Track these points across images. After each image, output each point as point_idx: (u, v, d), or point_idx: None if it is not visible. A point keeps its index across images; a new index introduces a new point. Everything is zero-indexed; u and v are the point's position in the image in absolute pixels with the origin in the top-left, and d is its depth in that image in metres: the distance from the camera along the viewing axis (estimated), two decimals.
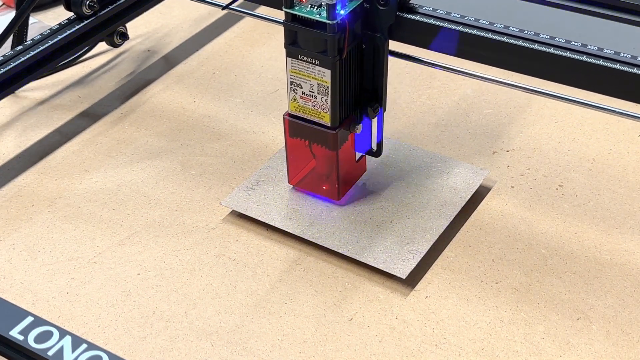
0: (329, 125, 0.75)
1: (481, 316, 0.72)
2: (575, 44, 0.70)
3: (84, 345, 0.63)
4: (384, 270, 0.75)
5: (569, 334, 0.71)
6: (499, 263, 0.77)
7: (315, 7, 0.71)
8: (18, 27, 0.94)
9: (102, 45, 1.06)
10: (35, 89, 1.01)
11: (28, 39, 0.91)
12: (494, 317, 0.72)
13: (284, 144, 0.89)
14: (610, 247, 0.78)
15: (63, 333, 0.64)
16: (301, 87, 0.75)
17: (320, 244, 0.78)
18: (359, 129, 0.78)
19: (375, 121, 0.80)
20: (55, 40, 0.90)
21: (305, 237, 0.78)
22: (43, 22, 1.10)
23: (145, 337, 0.71)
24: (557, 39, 0.70)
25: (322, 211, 0.80)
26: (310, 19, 0.71)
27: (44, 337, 0.64)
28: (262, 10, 0.86)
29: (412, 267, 0.75)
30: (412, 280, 0.75)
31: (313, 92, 0.74)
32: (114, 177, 0.88)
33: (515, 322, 0.72)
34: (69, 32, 0.91)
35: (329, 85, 0.73)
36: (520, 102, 0.96)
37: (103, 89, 1.01)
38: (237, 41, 1.09)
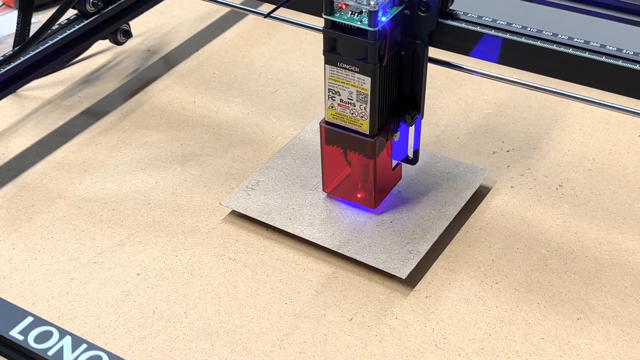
0: (368, 133, 0.74)
1: (481, 316, 0.72)
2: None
3: (84, 345, 0.63)
4: (384, 270, 0.75)
5: (569, 334, 0.71)
6: (499, 263, 0.77)
7: (356, 14, 0.69)
8: (20, 27, 0.94)
9: (102, 45, 1.06)
10: (35, 89, 1.01)
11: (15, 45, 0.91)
12: (494, 317, 0.72)
13: (283, 145, 0.90)
14: (610, 247, 0.78)
15: (63, 333, 0.64)
16: (339, 95, 0.73)
17: (320, 244, 0.78)
18: (397, 136, 0.77)
19: (412, 128, 0.78)
20: (59, 38, 0.90)
21: (305, 237, 0.78)
22: (43, 22, 1.10)
23: (145, 337, 0.71)
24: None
25: (322, 211, 0.80)
26: (351, 25, 0.69)
27: (44, 337, 0.64)
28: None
29: (412, 267, 0.75)
30: (412, 280, 0.75)
31: (352, 100, 0.73)
32: (114, 177, 0.88)
33: (515, 322, 0.72)
34: (71, 30, 0.91)
35: (369, 92, 0.72)
36: (521, 102, 0.96)
37: (103, 89, 1.01)
38: (237, 41, 1.09)
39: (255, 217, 0.81)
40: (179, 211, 0.84)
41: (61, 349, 0.63)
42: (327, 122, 0.76)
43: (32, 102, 1.00)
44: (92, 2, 0.92)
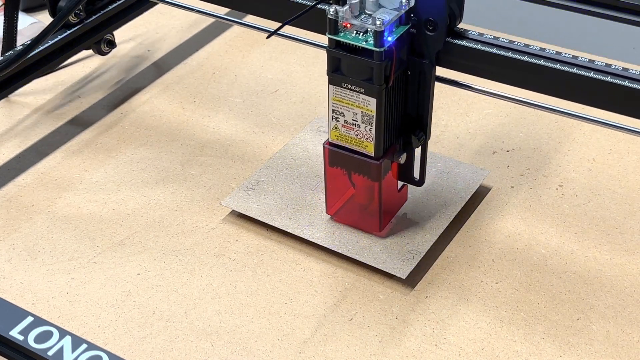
0: (373, 155, 0.72)
1: (481, 316, 0.72)
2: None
3: (84, 345, 0.63)
4: (384, 270, 0.75)
5: (569, 334, 0.71)
6: (499, 263, 0.77)
7: (362, 34, 0.67)
8: (6, 32, 0.93)
9: None
10: (35, 89, 1.01)
11: (28, 40, 0.90)
12: (494, 317, 0.72)
13: (283, 145, 0.90)
14: (610, 247, 0.78)
15: (63, 333, 0.64)
16: (344, 116, 0.71)
17: (320, 244, 0.78)
18: (403, 158, 0.75)
19: (418, 150, 0.76)
20: (41, 48, 0.89)
21: (305, 237, 0.78)
22: (43, 22, 1.10)
23: (145, 337, 0.71)
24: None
25: (322, 211, 0.80)
26: (356, 45, 0.67)
27: (44, 337, 0.64)
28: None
29: (412, 267, 0.75)
30: (412, 280, 0.75)
31: (356, 121, 0.71)
32: (114, 177, 0.88)
33: (515, 322, 0.72)
34: (54, 40, 0.90)
35: (374, 114, 0.70)
36: None
37: (103, 89, 1.01)
38: (237, 41, 1.09)
39: (255, 217, 0.81)
40: (179, 211, 0.84)
41: (61, 349, 0.63)
42: (330, 144, 0.74)
43: (32, 102, 1.00)
44: (75, 12, 0.91)
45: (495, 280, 0.75)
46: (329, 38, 0.68)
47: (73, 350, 0.63)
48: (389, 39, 0.67)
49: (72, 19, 0.91)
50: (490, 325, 0.72)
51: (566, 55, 0.68)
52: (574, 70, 0.67)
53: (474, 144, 0.91)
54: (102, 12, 0.94)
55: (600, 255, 0.77)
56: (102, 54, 1.00)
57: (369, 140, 0.71)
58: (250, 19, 0.86)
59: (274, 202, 0.82)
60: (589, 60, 0.68)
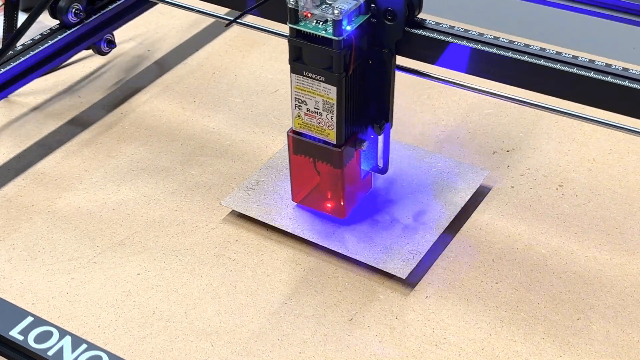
0: (335, 142, 0.73)
1: (481, 316, 0.72)
2: (582, 59, 0.68)
3: (84, 345, 0.63)
4: (384, 270, 0.75)
5: (569, 334, 0.71)
6: (499, 263, 0.77)
7: (321, 23, 0.69)
8: (6, 32, 0.93)
9: None
10: (35, 89, 1.01)
11: (28, 40, 0.91)
12: (494, 317, 0.72)
13: (284, 144, 0.89)
14: (610, 247, 0.78)
15: (63, 333, 0.64)
16: (306, 104, 0.73)
17: (321, 244, 0.78)
18: (365, 145, 0.76)
19: (381, 137, 0.77)
20: (41, 48, 0.89)
21: (305, 237, 0.78)
22: (43, 22, 1.10)
23: (145, 337, 0.71)
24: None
25: (322, 212, 0.80)
26: (316, 34, 0.69)
27: (44, 337, 0.64)
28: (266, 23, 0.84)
29: (412, 267, 0.75)
30: (412, 280, 0.75)
31: (318, 109, 0.72)
32: (114, 177, 0.88)
33: (515, 322, 0.72)
34: (54, 40, 0.90)
35: (335, 102, 0.71)
36: None
37: (102, 89, 1.01)
38: (237, 41, 1.09)
39: (255, 217, 0.81)
40: (179, 211, 0.84)
41: (61, 349, 0.63)
42: (294, 132, 0.75)
43: (31, 103, 1.00)
44: (75, 12, 0.91)
45: (495, 280, 0.75)
46: (290, 27, 0.70)
47: (73, 350, 0.63)
48: (348, 28, 0.68)
49: (72, 19, 0.91)
50: (490, 325, 0.72)
51: (566, 55, 0.68)
52: (574, 70, 0.68)
53: (474, 144, 0.90)
54: (102, 12, 0.94)
55: (600, 255, 0.77)
56: (102, 54, 1.00)
57: (330, 128, 0.73)
58: (250, 19, 0.86)
59: (274, 202, 0.82)
60: (589, 60, 0.68)
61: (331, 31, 0.68)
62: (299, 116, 0.74)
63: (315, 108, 0.72)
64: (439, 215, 0.80)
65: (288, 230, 0.79)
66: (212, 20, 1.12)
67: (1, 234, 0.81)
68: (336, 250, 0.77)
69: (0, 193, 0.86)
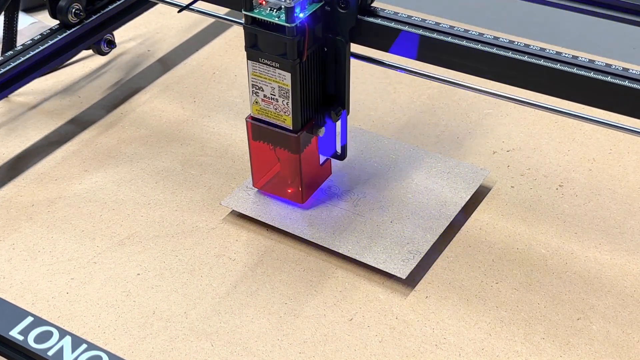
0: (291, 128, 0.75)
1: (481, 316, 0.72)
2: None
3: (84, 345, 0.63)
4: (384, 270, 0.75)
5: (569, 334, 0.71)
6: (499, 263, 0.77)
7: (275, 10, 0.71)
8: (7, 32, 0.93)
9: None
10: (35, 89, 1.01)
11: (28, 40, 0.91)
12: (494, 317, 0.72)
13: None
14: (610, 247, 0.78)
15: (63, 333, 0.64)
16: (262, 90, 0.74)
17: (320, 244, 0.78)
18: (322, 132, 0.78)
19: (339, 124, 0.79)
20: (41, 48, 0.89)
21: (305, 237, 0.78)
22: (43, 22, 1.10)
23: (145, 337, 0.71)
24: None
25: (322, 211, 0.80)
26: (270, 21, 0.70)
27: (44, 337, 0.64)
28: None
29: (412, 267, 0.75)
30: (412, 280, 0.75)
31: (274, 95, 0.74)
32: (114, 177, 0.88)
33: (515, 322, 0.72)
34: (54, 40, 0.90)
35: (290, 88, 0.73)
36: None
37: (102, 89, 1.01)
38: (237, 41, 1.09)
39: (255, 217, 0.81)
40: (179, 211, 0.84)
41: (61, 349, 0.63)
42: (252, 118, 0.77)
43: (31, 103, 1.00)
44: (75, 12, 0.91)
45: (495, 280, 0.75)
46: (245, 14, 0.72)
47: (73, 350, 0.63)
48: (301, 15, 0.70)
49: (72, 18, 0.91)
50: (490, 325, 0.72)
51: (566, 55, 0.69)
52: (574, 70, 0.68)
53: (474, 144, 0.90)
54: (102, 12, 0.94)
55: (600, 255, 0.77)
56: (102, 54, 1.00)
57: (286, 113, 0.75)
58: (203, 5, 0.87)
59: (274, 202, 0.82)
60: (589, 60, 0.68)
61: (284, 18, 0.70)
62: (256, 102, 0.76)
63: (271, 94, 0.74)
64: (439, 215, 0.80)
65: (288, 230, 0.79)
66: (211, 20, 1.12)
67: (1, 234, 0.81)
68: (336, 251, 0.77)
69: (0, 193, 0.86)
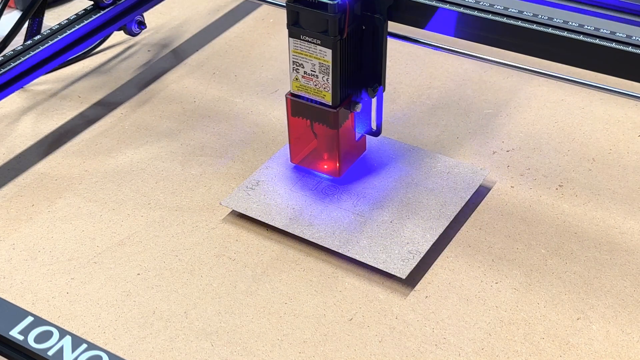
0: (330, 104, 0.77)
1: (481, 316, 0.72)
2: (573, 24, 0.71)
3: (84, 345, 0.63)
4: (384, 270, 0.75)
5: (569, 334, 0.71)
6: (499, 263, 0.77)
7: None
8: (29, 23, 0.94)
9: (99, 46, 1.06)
10: (35, 89, 1.01)
11: (64, 20, 0.91)
12: (494, 317, 0.72)
13: (284, 145, 0.90)
14: (610, 247, 0.78)
15: (63, 333, 0.64)
16: (303, 67, 0.76)
17: (320, 244, 0.78)
18: (359, 107, 0.79)
19: (374, 101, 0.81)
20: (75, 29, 0.91)
21: (305, 237, 0.78)
22: (44, 22, 1.10)
23: (145, 337, 0.71)
24: (555, 19, 0.71)
25: (322, 211, 0.80)
26: None
27: (44, 337, 0.64)
28: None
29: (412, 267, 0.75)
30: (412, 280, 0.75)
31: (315, 72, 0.76)
32: (113, 177, 0.88)
33: (515, 322, 0.72)
34: (86, 21, 0.92)
35: (330, 64, 0.75)
36: (520, 102, 0.96)
37: (102, 89, 1.01)
38: (237, 41, 1.09)
39: (255, 217, 0.81)
40: (179, 211, 0.84)
41: (61, 349, 0.63)
42: (292, 94, 0.79)
43: (31, 102, 1.00)
44: None
45: (495, 280, 0.75)
46: None
47: (73, 350, 0.63)
48: None
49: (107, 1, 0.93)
50: (490, 325, 0.72)
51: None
52: (519, 23, 0.72)
53: (474, 144, 0.90)
54: None
55: (601, 255, 0.77)
56: (133, 34, 1.01)
57: (326, 89, 0.76)
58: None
59: (274, 202, 0.82)
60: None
61: None
62: (296, 79, 0.78)
63: (312, 70, 0.76)
64: (439, 215, 0.80)
65: (288, 231, 0.79)
66: (211, 20, 1.13)
67: (1, 234, 0.81)
68: (336, 250, 0.77)
69: (0, 193, 0.86)
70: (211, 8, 1.15)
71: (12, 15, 1.15)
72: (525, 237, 0.79)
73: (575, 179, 0.86)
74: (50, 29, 0.90)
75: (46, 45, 0.88)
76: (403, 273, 0.74)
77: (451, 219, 0.79)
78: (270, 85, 1.01)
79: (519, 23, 0.73)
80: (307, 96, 0.78)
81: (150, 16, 1.12)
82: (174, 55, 1.07)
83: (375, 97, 0.80)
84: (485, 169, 0.85)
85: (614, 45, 0.69)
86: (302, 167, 0.84)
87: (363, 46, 0.78)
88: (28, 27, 0.94)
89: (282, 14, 1.10)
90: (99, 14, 0.93)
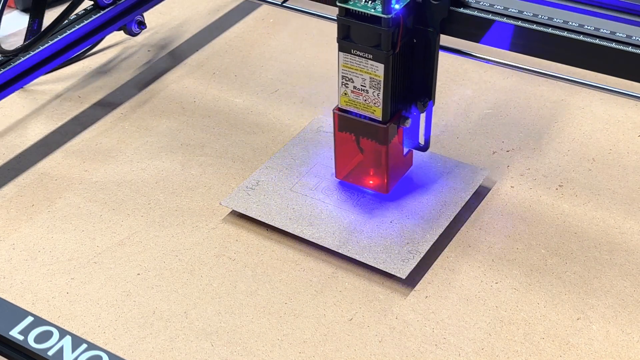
0: (380, 119, 0.76)
1: (481, 316, 0.72)
2: (573, 24, 0.70)
3: (84, 345, 0.63)
4: (384, 270, 0.75)
5: (569, 334, 0.71)
6: (499, 263, 0.77)
7: (370, 2, 0.71)
8: (29, 23, 0.94)
9: (98, 45, 1.06)
10: (35, 89, 1.01)
11: (64, 21, 0.91)
12: (494, 317, 0.72)
13: (283, 145, 0.90)
14: (610, 247, 0.78)
15: (63, 333, 0.64)
16: (353, 82, 0.75)
17: (320, 244, 0.78)
18: (409, 122, 0.78)
19: (423, 115, 0.80)
20: (75, 29, 0.90)
21: (305, 237, 0.78)
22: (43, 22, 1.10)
23: (145, 337, 0.71)
24: (555, 19, 0.71)
25: (322, 211, 0.80)
26: (365, 13, 0.71)
27: (44, 337, 0.64)
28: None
29: (412, 267, 0.75)
30: (412, 280, 0.75)
31: (365, 87, 0.75)
32: (114, 177, 0.88)
33: (515, 322, 0.72)
34: (87, 21, 0.92)
35: (382, 79, 0.73)
36: (520, 102, 0.96)
37: (102, 89, 1.01)
38: (237, 41, 1.09)
39: (255, 217, 0.81)
40: (179, 211, 0.84)
41: (61, 349, 0.63)
42: (340, 109, 0.77)
43: (31, 102, 1.00)
44: None
45: (495, 280, 0.75)
46: (339, 6, 0.72)
47: (73, 350, 0.63)
48: (396, 6, 0.71)
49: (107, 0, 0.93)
50: (490, 325, 0.72)
51: (572, 24, 0.70)
52: (580, 37, 0.70)
53: (474, 144, 0.90)
54: None
55: (601, 255, 0.77)
56: (133, 34, 1.01)
57: (377, 105, 0.75)
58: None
59: (274, 202, 0.82)
60: (595, 28, 0.70)
61: (380, 9, 0.70)
62: (345, 94, 0.76)
63: (362, 85, 0.75)
64: (439, 215, 0.80)
65: (288, 230, 0.79)
66: (211, 21, 1.13)
67: (1, 234, 0.81)
68: (336, 250, 0.77)
69: (0, 193, 0.86)
70: (211, 8, 1.15)
71: (12, 15, 1.15)
72: (525, 237, 0.79)
73: (575, 179, 0.86)
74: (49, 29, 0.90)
75: (46, 45, 0.88)
76: (403, 273, 0.74)
77: (451, 219, 0.79)
78: (270, 85, 1.01)
79: (519, 23, 0.72)
80: (356, 111, 0.76)
81: (150, 16, 1.12)
82: (174, 55, 1.07)
83: (425, 112, 0.79)
84: (485, 169, 0.85)
85: (614, 45, 0.69)
86: (348, 182, 0.82)
87: (414, 60, 0.76)
88: (28, 27, 0.94)
89: (282, 14, 1.11)
90: (99, 14, 0.93)
